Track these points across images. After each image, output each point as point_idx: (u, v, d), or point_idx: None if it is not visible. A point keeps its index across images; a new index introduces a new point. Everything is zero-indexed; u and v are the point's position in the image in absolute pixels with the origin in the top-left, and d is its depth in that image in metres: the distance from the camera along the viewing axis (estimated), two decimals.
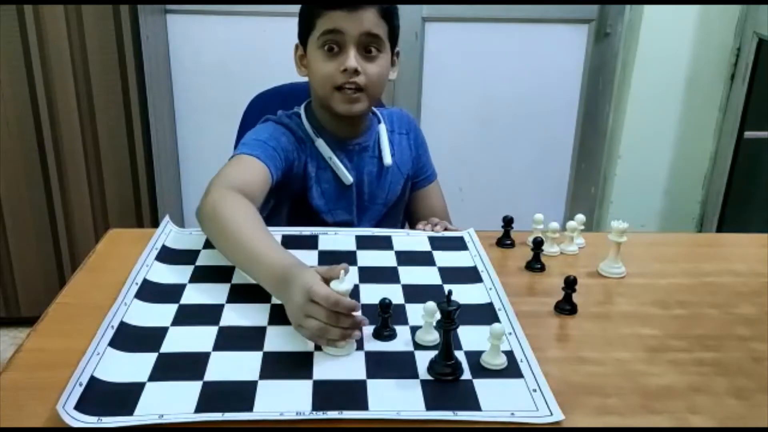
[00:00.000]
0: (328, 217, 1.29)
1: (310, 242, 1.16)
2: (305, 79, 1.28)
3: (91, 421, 0.71)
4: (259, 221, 1.03)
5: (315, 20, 1.19)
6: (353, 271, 1.07)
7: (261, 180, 1.15)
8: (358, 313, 0.84)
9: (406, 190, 1.40)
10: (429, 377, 0.82)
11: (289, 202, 1.30)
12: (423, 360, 0.85)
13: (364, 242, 1.18)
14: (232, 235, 0.99)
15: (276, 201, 1.28)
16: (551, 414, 0.76)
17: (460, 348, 0.87)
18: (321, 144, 1.26)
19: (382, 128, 1.34)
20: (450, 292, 0.82)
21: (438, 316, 0.82)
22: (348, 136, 1.29)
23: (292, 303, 0.86)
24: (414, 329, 0.90)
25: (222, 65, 2.34)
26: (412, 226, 1.37)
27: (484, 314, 0.96)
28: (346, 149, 1.29)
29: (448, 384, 0.81)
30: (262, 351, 0.85)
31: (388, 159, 1.31)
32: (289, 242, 1.16)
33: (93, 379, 0.78)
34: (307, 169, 1.26)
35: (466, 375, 0.82)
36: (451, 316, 0.80)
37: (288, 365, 0.83)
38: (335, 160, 1.26)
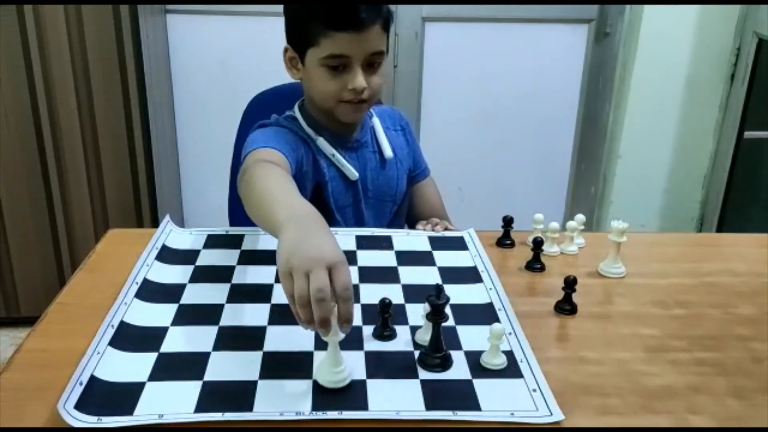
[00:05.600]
0: (338, 215, 1.29)
1: None
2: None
3: (91, 420, 0.71)
4: (289, 180, 1.01)
5: (318, 38, 1.15)
6: (353, 270, 1.07)
7: (286, 166, 1.12)
8: (334, 320, 0.75)
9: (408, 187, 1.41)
10: (429, 377, 0.82)
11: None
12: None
13: (364, 242, 1.18)
14: (258, 184, 0.97)
15: None
16: (551, 414, 0.76)
17: (460, 348, 0.87)
18: (323, 142, 1.26)
19: (376, 122, 1.35)
20: (440, 286, 0.82)
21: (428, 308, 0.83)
22: (345, 133, 1.30)
23: (308, 246, 0.76)
24: (414, 329, 0.90)
25: (222, 65, 2.34)
26: (411, 225, 1.37)
27: (484, 314, 0.96)
28: (346, 146, 1.29)
29: (448, 384, 0.81)
30: (262, 351, 0.85)
31: (388, 152, 1.33)
32: None
33: (93, 379, 0.78)
34: (319, 166, 1.25)
35: (466, 375, 0.82)
36: (440, 310, 0.81)
37: (288, 365, 0.83)
38: (338, 157, 1.26)
